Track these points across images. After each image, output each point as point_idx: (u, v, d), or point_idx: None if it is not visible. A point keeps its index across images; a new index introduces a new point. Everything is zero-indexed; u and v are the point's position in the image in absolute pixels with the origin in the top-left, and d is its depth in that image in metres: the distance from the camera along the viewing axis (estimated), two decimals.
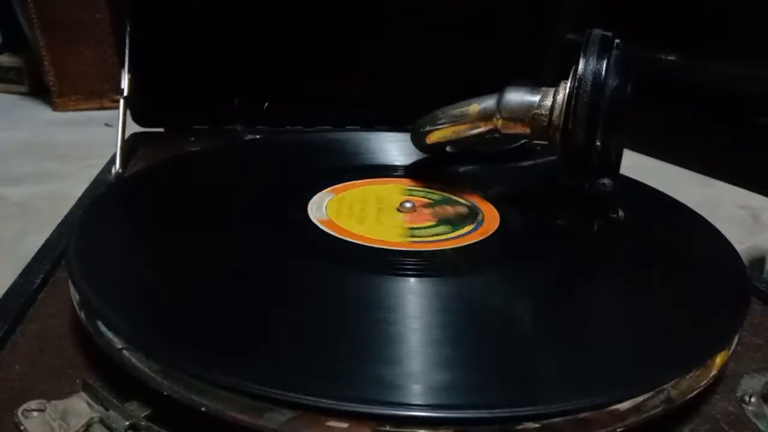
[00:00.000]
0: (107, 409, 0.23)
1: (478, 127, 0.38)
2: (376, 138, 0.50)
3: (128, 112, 0.50)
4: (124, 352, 0.24)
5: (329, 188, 0.40)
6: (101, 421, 0.23)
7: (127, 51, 0.49)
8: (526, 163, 0.46)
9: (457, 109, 0.39)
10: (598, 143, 0.32)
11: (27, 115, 1.03)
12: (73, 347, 0.28)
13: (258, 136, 0.56)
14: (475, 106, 0.38)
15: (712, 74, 0.79)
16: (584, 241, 0.35)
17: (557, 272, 0.33)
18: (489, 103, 0.37)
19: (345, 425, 0.21)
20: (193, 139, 0.56)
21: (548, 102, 0.35)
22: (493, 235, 0.36)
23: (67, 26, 1.00)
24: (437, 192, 0.42)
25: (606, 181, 0.33)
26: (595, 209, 0.34)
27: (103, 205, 0.38)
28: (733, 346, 0.28)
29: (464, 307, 0.29)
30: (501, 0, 0.57)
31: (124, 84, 0.49)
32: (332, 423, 0.21)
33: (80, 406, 0.24)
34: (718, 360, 0.26)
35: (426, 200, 0.40)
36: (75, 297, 0.28)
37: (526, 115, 0.35)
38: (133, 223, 0.37)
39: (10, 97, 1.11)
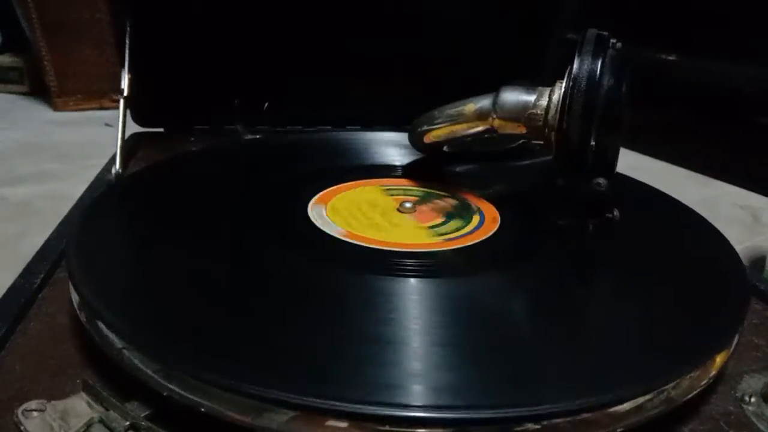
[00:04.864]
0: (107, 409, 0.23)
1: (475, 126, 0.38)
2: (376, 138, 0.50)
3: (128, 112, 0.50)
4: (124, 352, 0.24)
5: (316, 197, 0.39)
6: (101, 421, 0.23)
7: (127, 51, 0.49)
8: (524, 163, 0.46)
9: (454, 109, 0.39)
10: (593, 143, 0.32)
11: (27, 115, 1.03)
12: (73, 347, 0.28)
13: (258, 136, 0.56)
14: (471, 106, 0.38)
15: (712, 74, 0.79)
16: (583, 241, 0.35)
17: (557, 272, 0.33)
18: (485, 102, 0.37)
19: (345, 425, 0.21)
20: (193, 139, 0.56)
21: (544, 102, 0.35)
22: (492, 235, 0.36)
23: (67, 26, 1.00)
24: (417, 188, 0.42)
25: (601, 180, 0.33)
26: (591, 209, 0.34)
27: (103, 205, 0.38)
28: (733, 346, 0.28)
29: (464, 308, 0.29)
30: (501, 0, 0.57)
31: (124, 84, 0.49)
32: (332, 423, 0.21)
33: (80, 406, 0.24)
34: (718, 360, 0.26)
35: (413, 198, 0.40)
36: (75, 297, 0.28)
37: (521, 114, 0.35)
38: (133, 223, 0.37)
39: (10, 97, 1.11)
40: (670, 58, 0.83)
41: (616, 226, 0.35)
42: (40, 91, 1.09)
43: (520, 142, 0.39)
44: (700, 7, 0.79)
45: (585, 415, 0.22)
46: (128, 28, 0.50)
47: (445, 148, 0.44)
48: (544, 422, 0.22)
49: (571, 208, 0.35)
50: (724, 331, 0.28)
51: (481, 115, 0.37)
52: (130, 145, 0.52)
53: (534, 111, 0.35)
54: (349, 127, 0.59)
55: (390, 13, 0.56)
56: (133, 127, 0.55)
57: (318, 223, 0.36)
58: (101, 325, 0.26)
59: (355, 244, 0.34)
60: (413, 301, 0.29)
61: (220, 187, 0.41)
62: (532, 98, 0.35)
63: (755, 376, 0.28)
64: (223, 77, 0.56)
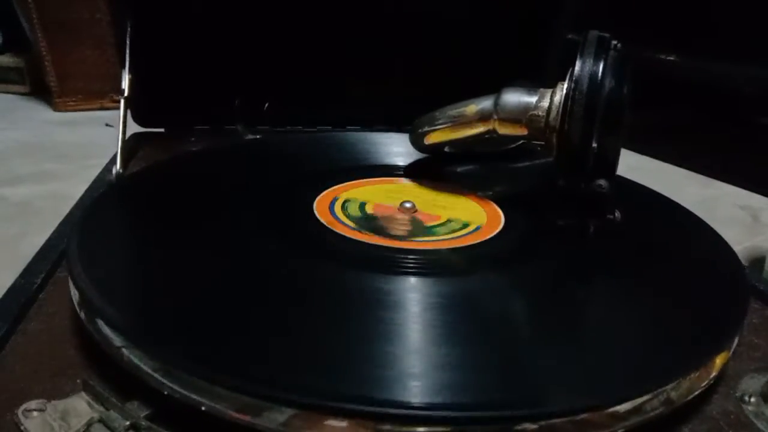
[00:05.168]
0: (107, 409, 0.23)
1: (476, 127, 0.38)
2: (376, 138, 0.51)
3: (129, 113, 0.50)
4: (124, 351, 0.24)
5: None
6: (101, 420, 0.23)
7: (127, 51, 0.50)
8: (525, 164, 0.46)
9: (455, 110, 0.39)
10: (594, 144, 0.32)
11: (27, 115, 1.03)
12: (73, 347, 0.28)
13: (258, 136, 0.56)
14: (473, 107, 0.38)
15: (712, 74, 0.79)
16: (583, 242, 0.35)
17: (557, 273, 0.33)
18: (486, 104, 0.37)
19: (344, 424, 0.21)
20: (193, 139, 0.56)
21: (545, 103, 0.35)
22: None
23: (67, 26, 1.00)
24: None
25: (602, 182, 0.33)
26: (592, 210, 0.34)
27: (103, 204, 0.38)
28: (733, 347, 0.28)
29: (464, 307, 0.29)
30: (501, 0, 0.57)
31: (125, 84, 0.49)
32: (331, 422, 0.21)
33: (80, 406, 0.24)
34: (718, 361, 0.26)
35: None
36: (75, 296, 0.28)
37: (522, 116, 0.35)
38: (134, 222, 0.37)
39: (10, 97, 1.11)
40: (670, 58, 0.83)
41: (617, 228, 0.35)
42: (40, 91, 1.09)
43: (521, 142, 0.39)
44: (700, 7, 0.79)
45: (584, 416, 0.22)
46: (128, 29, 0.50)
47: (446, 149, 0.44)
48: (542, 422, 0.22)
49: (571, 209, 0.35)
50: (724, 331, 0.28)
51: (482, 117, 0.37)
52: (131, 146, 0.52)
53: (535, 112, 0.35)
54: (349, 127, 0.59)
55: (390, 13, 0.56)
56: (134, 127, 0.55)
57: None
58: (101, 323, 0.26)
59: (355, 243, 0.34)
60: (414, 300, 0.29)
61: (220, 187, 0.41)
62: (533, 100, 0.35)
63: (755, 376, 0.28)
64: (223, 77, 0.56)
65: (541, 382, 0.24)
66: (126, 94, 0.49)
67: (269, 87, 0.57)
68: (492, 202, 0.40)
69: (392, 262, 0.32)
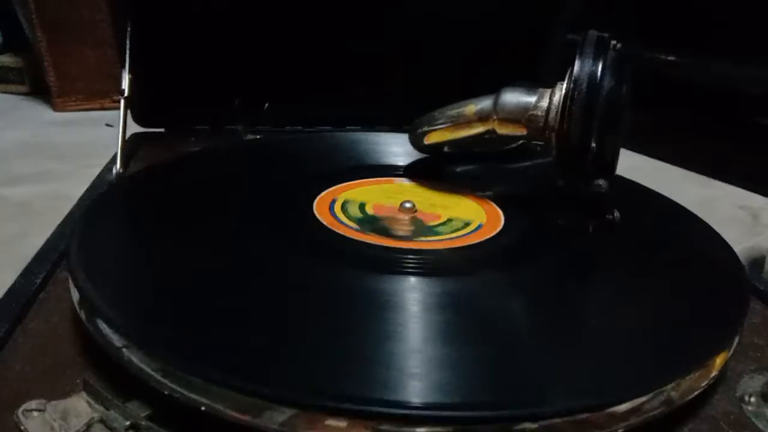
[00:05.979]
0: (108, 409, 0.23)
1: (475, 127, 0.38)
2: (376, 138, 0.51)
3: (129, 113, 0.50)
4: (124, 351, 0.24)
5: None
6: (101, 420, 0.23)
7: (127, 51, 0.50)
8: (525, 164, 0.46)
9: (454, 110, 0.39)
10: (593, 144, 0.32)
11: (27, 115, 1.03)
12: (73, 347, 0.28)
13: (258, 137, 0.56)
14: (472, 107, 0.38)
15: (712, 74, 0.79)
16: (583, 242, 0.35)
17: (557, 273, 0.33)
18: (486, 103, 0.37)
19: (344, 424, 0.21)
20: (193, 139, 0.56)
21: (544, 103, 0.35)
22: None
23: (67, 26, 1.00)
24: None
25: (601, 182, 0.33)
26: (591, 210, 0.35)
27: (103, 204, 0.38)
28: (733, 347, 0.28)
29: (464, 307, 0.29)
30: (501, 0, 0.57)
31: (125, 84, 0.49)
32: (331, 422, 0.21)
33: (80, 406, 0.24)
34: (718, 361, 0.26)
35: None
36: (75, 296, 0.28)
37: (522, 115, 0.35)
38: (134, 222, 0.37)
39: (10, 97, 1.11)
40: (670, 58, 0.83)
41: (616, 227, 0.35)
42: (40, 91, 1.09)
43: (521, 142, 0.39)
44: (700, 7, 0.79)
45: (584, 416, 0.22)
46: (128, 29, 0.50)
47: (445, 149, 0.44)
48: (543, 422, 0.22)
49: (571, 209, 0.35)
50: (724, 331, 0.28)
51: (481, 116, 0.37)
52: (131, 146, 0.52)
53: (534, 112, 0.35)
54: (349, 127, 0.59)
55: (390, 13, 0.56)
56: (134, 127, 0.55)
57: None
58: (102, 323, 0.26)
59: (355, 243, 0.34)
60: (413, 299, 0.29)
61: (220, 187, 0.41)
62: (532, 99, 0.35)
63: (755, 376, 0.28)
64: (223, 77, 0.56)
65: (541, 382, 0.24)
66: (126, 94, 0.49)
67: (269, 87, 0.57)
68: (491, 202, 0.40)
69: (392, 262, 0.32)
